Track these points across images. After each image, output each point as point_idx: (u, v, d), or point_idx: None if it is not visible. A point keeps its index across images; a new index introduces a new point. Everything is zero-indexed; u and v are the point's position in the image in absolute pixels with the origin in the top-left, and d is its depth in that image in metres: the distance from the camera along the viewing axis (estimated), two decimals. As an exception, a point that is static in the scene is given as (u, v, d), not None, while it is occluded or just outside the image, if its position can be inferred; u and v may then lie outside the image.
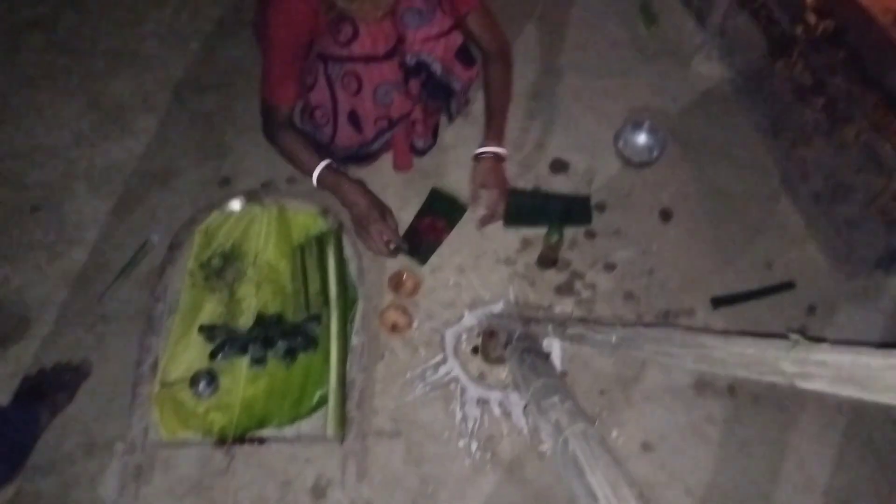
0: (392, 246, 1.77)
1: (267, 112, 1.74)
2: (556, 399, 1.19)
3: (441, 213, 1.97)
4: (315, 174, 1.74)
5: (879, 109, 2.03)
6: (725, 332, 1.08)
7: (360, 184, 1.79)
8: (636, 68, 2.36)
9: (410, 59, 1.76)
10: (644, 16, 2.48)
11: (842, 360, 0.77)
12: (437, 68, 1.80)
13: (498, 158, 1.88)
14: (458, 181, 2.02)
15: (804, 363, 0.81)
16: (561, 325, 1.49)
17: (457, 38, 1.79)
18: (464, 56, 1.85)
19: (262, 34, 1.64)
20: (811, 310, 1.82)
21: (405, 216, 1.94)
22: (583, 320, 1.77)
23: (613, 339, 1.24)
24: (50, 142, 2.04)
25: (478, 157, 1.87)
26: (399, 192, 2.00)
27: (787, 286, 1.86)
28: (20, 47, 2.29)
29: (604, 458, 1.01)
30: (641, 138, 2.12)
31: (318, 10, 1.57)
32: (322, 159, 1.74)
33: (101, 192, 1.94)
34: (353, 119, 1.78)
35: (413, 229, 1.94)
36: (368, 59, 1.69)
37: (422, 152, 2.06)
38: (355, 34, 1.64)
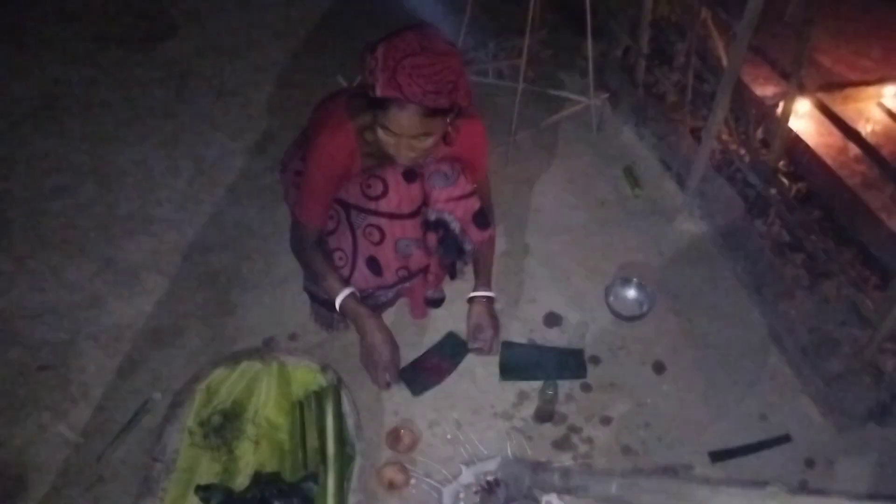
0: (390, 384, 1.88)
1: (297, 228, 1.90)
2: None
3: (448, 355, 2.04)
4: (338, 300, 1.82)
5: (856, 265, 2.14)
6: (714, 483, 1.10)
7: (378, 318, 1.87)
8: (623, 226, 2.49)
9: (431, 215, 1.89)
10: (628, 178, 2.65)
11: None
12: (455, 227, 1.92)
13: (489, 301, 2.02)
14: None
15: None
16: (565, 475, 1.50)
17: (475, 203, 1.93)
18: (479, 220, 1.98)
19: (308, 157, 1.78)
20: (809, 463, 1.82)
21: (413, 353, 2.05)
22: (585, 470, 1.77)
23: (613, 488, 1.25)
24: (62, 301, 2.13)
25: (472, 300, 2.01)
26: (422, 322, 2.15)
27: (783, 439, 1.86)
28: (40, 213, 2.43)
29: None
30: (631, 293, 2.21)
31: (356, 152, 1.73)
32: (347, 286, 1.83)
33: (108, 351, 1.99)
34: (372, 265, 1.88)
35: (419, 364, 2.02)
36: (393, 216, 1.83)
37: (436, 303, 2.18)
38: (384, 192, 1.79)
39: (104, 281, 2.20)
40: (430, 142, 1.63)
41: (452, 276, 2.16)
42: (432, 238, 1.94)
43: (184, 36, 3.37)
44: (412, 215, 1.85)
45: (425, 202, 1.87)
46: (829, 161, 2.28)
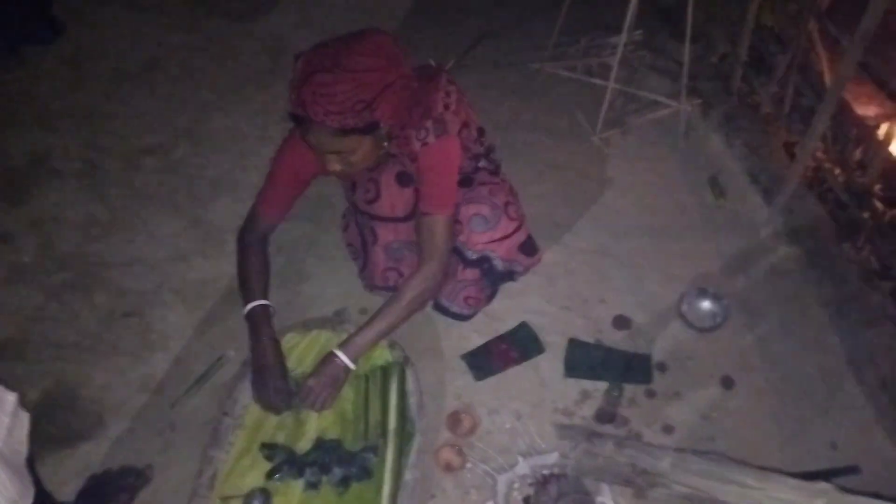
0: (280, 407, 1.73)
1: (249, 218, 1.85)
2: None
3: (519, 345, 2.04)
4: (246, 308, 1.76)
5: (948, 300, 2.03)
6: (769, 472, 1.07)
7: (271, 345, 1.74)
8: (704, 235, 2.44)
9: (472, 255, 1.91)
10: (713, 188, 2.59)
11: None
12: (497, 263, 1.95)
13: (346, 370, 1.72)
14: (545, 323, 2.12)
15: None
16: (619, 443, 1.49)
17: (520, 237, 1.94)
18: (527, 248, 1.99)
19: (274, 157, 1.79)
20: (877, 497, 1.75)
21: (481, 338, 2.05)
22: (639, 442, 1.75)
23: (666, 462, 1.24)
24: (150, 254, 2.23)
25: (329, 354, 1.72)
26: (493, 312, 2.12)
27: (852, 470, 1.80)
28: (136, 167, 2.54)
29: None
30: (706, 304, 2.16)
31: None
32: (258, 299, 1.77)
33: (189, 306, 2.08)
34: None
35: (486, 347, 2.02)
36: (386, 220, 1.85)
37: (463, 317, 2.09)
38: (377, 196, 1.81)
39: (190, 238, 2.29)
40: (354, 158, 1.58)
41: (490, 300, 2.14)
42: (472, 272, 1.95)
43: (284, 10, 3.46)
44: (406, 219, 1.85)
45: (464, 243, 1.87)
46: (928, 188, 2.17)
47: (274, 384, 1.71)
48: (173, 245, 2.27)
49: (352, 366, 1.72)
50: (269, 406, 1.72)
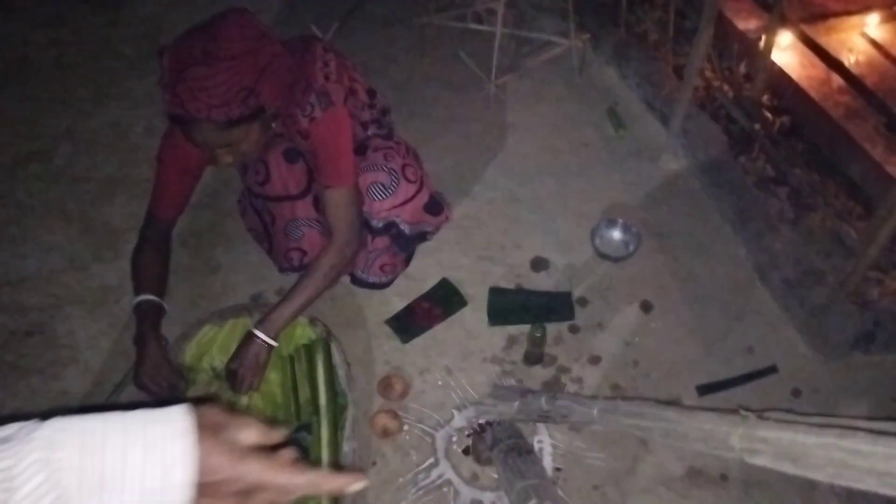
0: (163, 392, 1.66)
1: (146, 219, 1.76)
2: (534, 501, 1.21)
3: (441, 302, 2.04)
4: (134, 301, 1.69)
5: (841, 196, 2.14)
6: (691, 408, 1.12)
7: (153, 341, 1.64)
8: (608, 168, 2.48)
9: (377, 223, 1.88)
10: (611, 119, 2.63)
11: (781, 438, 0.81)
12: (405, 228, 1.93)
13: (267, 348, 1.67)
14: (465, 276, 2.12)
15: (750, 439, 0.85)
16: (552, 397, 1.52)
17: (423, 198, 1.91)
18: (432, 207, 1.97)
19: (157, 156, 1.71)
20: (796, 393, 1.85)
21: (403, 301, 2.04)
22: (569, 394, 1.79)
23: (595, 411, 1.27)
24: (44, 266, 2.11)
25: (248, 334, 1.67)
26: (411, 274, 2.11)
27: (770, 370, 1.89)
28: (18, 178, 2.39)
29: None
30: (616, 234, 2.21)
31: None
32: (152, 294, 1.68)
33: (95, 314, 1.99)
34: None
35: (410, 309, 2.02)
36: (282, 199, 1.82)
37: (380, 286, 2.07)
38: (267, 177, 1.77)
39: (86, 244, 2.18)
40: (244, 146, 1.51)
41: (408, 263, 2.14)
42: (382, 241, 1.93)
43: (153, -9, 3.28)
44: (301, 195, 1.83)
45: (368, 212, 1.85)
46: (812, 93, 2.26)
47: (152, 371, 1.62)
48: (68, 255, 2.15)
49: (273, 343, 1.67)
50: (152, 392, 1.64)
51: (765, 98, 2.41)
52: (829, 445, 0.77)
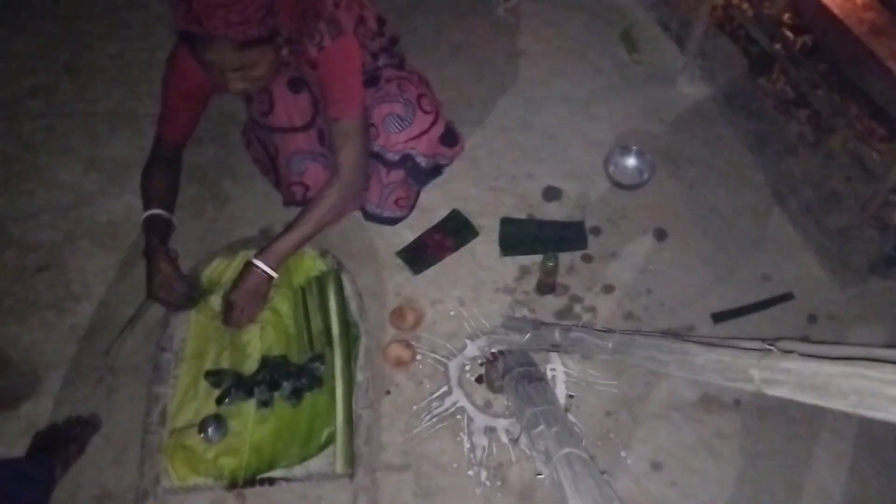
0: (180, 302, 1.70)
1: (154, 144, 1.75)
2: (542, 427, 1.21)
3: (452, 233, 2.01)
4: (144, 215, 1.68)
5: (863, 118, 2.07)
6: (709, 342, 1.11)
7: (161, 255, 1.64)
8: (621, 93, 2.41)
9: (393, 156, 1.83)
10: (625, 43, 2.54)
11: (804, 369, 0.79)
12: (420, 160, 1.88)
13: (266, 278, 1.66)
14: (476, 207, 2.09)
15: (772, 370, 0.84)
16: (566, 330, 1.51)
17: (438, 129, 1.86)
18: (448, 139, 1.92)
19: (162, 82, 1.68)
20: (812, 319, 1.83)
21: (414, 233, 2.02)
22: (584, 327, 1.79)
23: (610, 344, 1.26)
24: (52, 203, 2.09)
25: (247, 265, 1.66)
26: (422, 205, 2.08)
27: (786, 297, 1.87)
28: (21, 114, 2.36)
29: (586, 481, 1.02)
30: (630, 161, 2.16)
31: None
32: (160, 209, 1.67)
33: (105, 249, 1.98)
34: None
35: (421, 241, 2.00)
36: (285, 130, 1.77)
37: (393, 220, 2.03)
38: (271, 107, 1.72)
39: (92, 179, 2.16)
40: (257, 71, 1.46)
41: (418, 195, 2.11)
42: (397, 173, 1.88)
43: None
44: (305, 127, 1.78)
45: (383, 146, 1.80)
46: (834, 10, 2.15)
47: (166, 284, 1.63)
48: (75, 190, 2.13)
49: (273, 273, 1.66)
50: (168, 303, 1.67)
51: (786, 16, 2.31)
52: (854, 375, 0.76)
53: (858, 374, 0.75)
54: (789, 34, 2.27)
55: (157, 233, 1.66)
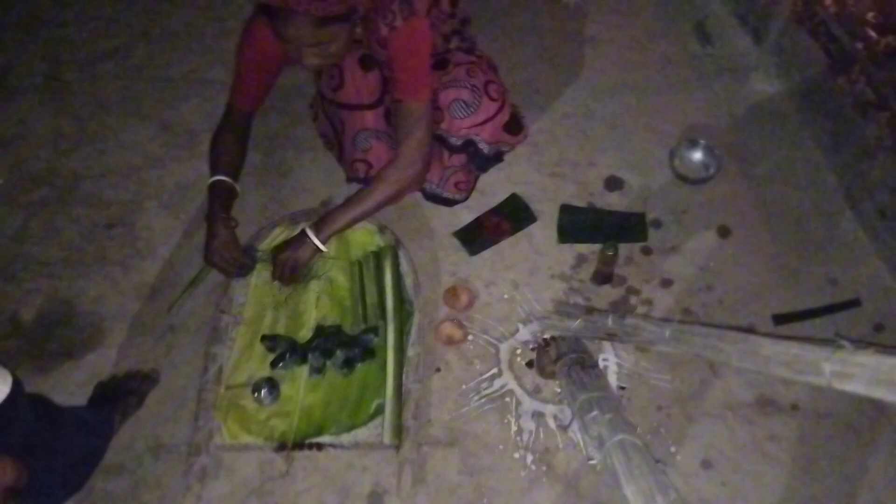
0: (233, 269, 1.72)
1: (225, 112, 1.79)
2: (596, 413, 1.20)
3: (511, 217, 2.00)
4: (210, 180, 1.72)
5: (946, 123, 1.98)
6: (774, 335, 1.08)
7: (223, 221, 1.68)
8: (691, 86, 2.36)
9: (456, 141, 1.83)
10: (698, 35, 2.48)
11: (881, 363, 0.77)
12: (483, 147, 1.88)
13: (314, 249, 1.70)
14: (536, 192, 2.08)
15: (845, 364, 0.81)
16: (621, 317, 1.49)
17: (503, 117, 1.85)
18: (512, 126, 1.91)
19: (237, 51, 1.72)
20: (878, 328, 1.77)
21: (472, 214, 2.01)
22: (638, 315, 1.76)
23: (667, 332, 1.24)
24: (123, 163, 2.16)
25: (302, 232, 1.70)
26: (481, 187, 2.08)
27: (853, 304, 1.81)
28: (97, 75, 2.43)
29: (640, 468, 1.01)
30: (697, 155, 2.12)
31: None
32: (225, 176, 1.71)
33: (172, 211, 2.03)
34: None
35: (478, 222, 1.99)
36: (353, 107, 1.77)
37: (449, 202, 2.02)
38: (341, 83, 1.73)
39: (162, 143, 2.22)
40: (333, 48, 1.48)
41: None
42: (458, 158, 1.88)
43: None
44: (373, 105, 1.78)
45: (447, 130, 1.80)
46: (925, 10, 2.07)
47: (222, 249, 1.67)
48: (145, 152, 2.19)
49: (322, 246, 1.69)
50: (221, 269, 1.70)
51: (870, 15, 2.22)
52: None
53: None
54: (873, 33, 2.18)
55: (219, 199, 1.70)
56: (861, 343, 0.87)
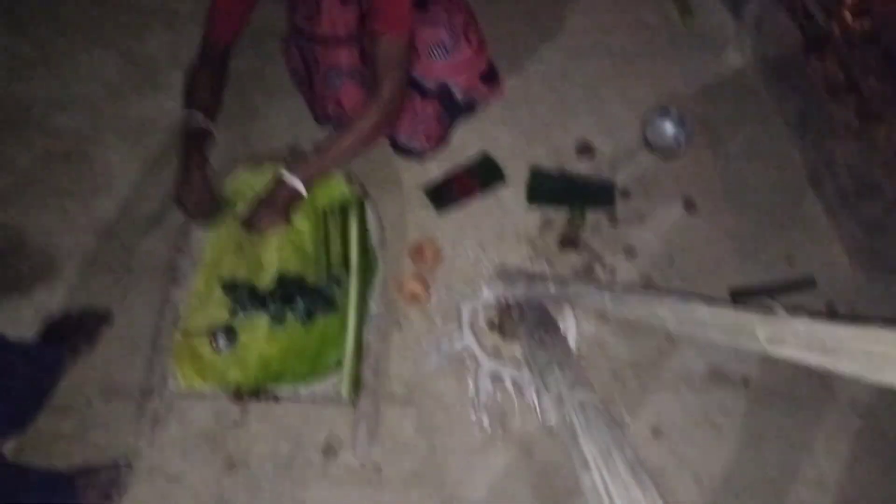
0: (201, 211, 1.67)
1: (201, 42, 1.69)
2: (557, 372, 1.21)
3: (479, 176, 1.99)
4: (183, 112, 1.64)
5: (913, 111, 2.01)
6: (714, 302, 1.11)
7: (199, 162, 1.61)
8: (666, 54, 2.34)
9: (430, 84, 1.79)
10: (678, 5, 2.46)
11: (814, 329, 0.79)
12: (457, 92, 1.84)
13: (293, 194, 1.65)
14: (506, 152, 2.05)
15: (778, 329, 0.83)
16: (563, 283, 1.51)
17: (480, 64, 1.82)
18: (489, 78, 1.86)
19: None
20: (831, 308, 1.82)
21: (441, 170, 1.98)
22: (583, 281, 1.78)
23: (607, 296, 1.25)
24: (82, 92, 2.06)
25: (280, 179, 1.65)
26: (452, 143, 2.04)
27: (808, 283, 1.85)
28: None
29: (598, 427, 1.03)
30: (668, 126, 2.11)
31: None
32: (201, 111, 1.63)
33: (131, 145, 1.96)
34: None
35: (448, 180, 1.97)
36: (327, 41, 1.71)
37: (420, 153, 1.99)
38: (317, 12, 1.66)
39: (125, 74, 2.12)
40: None
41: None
42: (432, 104, 1.84)
43: None
44: (348, 40, 1.72)
45: (422, 73, 1.76)
46: (903, -4, 2.08)
47: (194, 194, 1.61)
48: (107, 82, 2.10)
49: (301, 189, 1.63)
50: (192, 214, 1.64)
51: (849, -3, 2.23)
52: (868, 337, 0.75)
53: (872, 337, 0.74)
54: (849, 15, 2.19)
55: (195, 138, 1.62)
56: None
